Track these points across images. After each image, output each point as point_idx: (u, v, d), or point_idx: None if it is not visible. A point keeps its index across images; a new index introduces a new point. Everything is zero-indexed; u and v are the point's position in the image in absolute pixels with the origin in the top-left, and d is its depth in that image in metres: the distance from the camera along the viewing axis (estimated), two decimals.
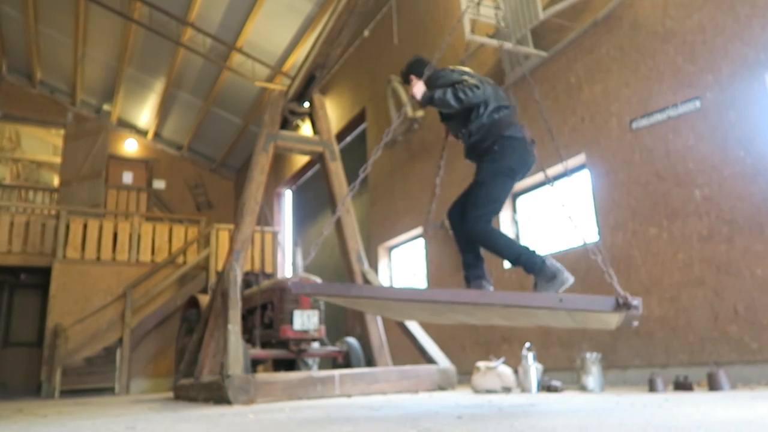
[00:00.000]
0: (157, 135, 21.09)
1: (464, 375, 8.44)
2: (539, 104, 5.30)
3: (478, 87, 4.61)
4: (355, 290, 4.03)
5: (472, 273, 4.65)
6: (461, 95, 4.54)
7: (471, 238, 4.53)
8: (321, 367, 10.93)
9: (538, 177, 8.31)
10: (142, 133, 21.13)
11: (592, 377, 6.13)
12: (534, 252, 4.27)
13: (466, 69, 5.02)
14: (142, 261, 15.57)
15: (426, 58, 5.36)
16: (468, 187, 4.75)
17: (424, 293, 3.90)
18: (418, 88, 4.87)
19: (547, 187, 8.55)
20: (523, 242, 4.55)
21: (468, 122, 4.66)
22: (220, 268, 12.80)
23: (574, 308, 3.54)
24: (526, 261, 4.25)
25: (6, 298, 17.13)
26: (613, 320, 3.93)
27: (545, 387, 6.42)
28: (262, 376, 6.87)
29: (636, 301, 3.44)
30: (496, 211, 4.57)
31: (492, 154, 4.53)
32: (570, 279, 4.14)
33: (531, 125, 4.89)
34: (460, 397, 6.06)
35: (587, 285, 7.22)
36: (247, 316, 9.30)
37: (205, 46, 15.66)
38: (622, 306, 3.42)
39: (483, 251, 4.66)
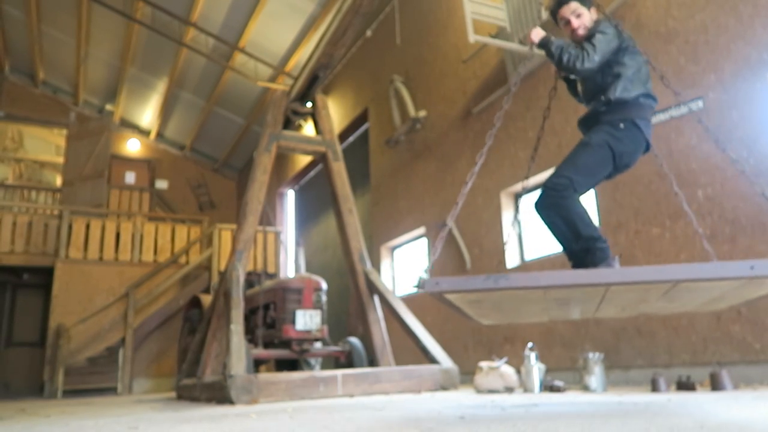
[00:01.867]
0: (159, 135, 21.12)
1: (467, 375, 8.44)
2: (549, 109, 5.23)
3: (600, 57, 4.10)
4: (505, 281, 3.17)
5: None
6: (578, 63, 4.06)
7: (551, 201, 3.92)
8: (323, 367, 10.93)
9: (537, 178, 8.31)
10: (144, 133, 21.16)
11: (595, 377, 6.12)
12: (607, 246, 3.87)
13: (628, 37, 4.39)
14: (144, 261, 15.57)
15: None
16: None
17: (591, 276, 3.26)
18: (536, 33, 4.30)
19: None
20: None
21: (610, 90, 4.18)
22: (222, 268, 12.78)
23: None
24: (599, 248, 3.81)
25: (9, 298, 17.13)
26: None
27: (548, 387, 6.42)
28: (265, 376, 6.88)
29: None
30: (588, 185, 4.09)
31: (614, 128, 4.12)
32: None
33: (534, 125, 4.87)
34: (462, 397, 6.06)
35: None
36: (249, 316, 9.30)
37: (208, 46, 15.68)
38: None
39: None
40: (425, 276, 3.22)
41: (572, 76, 4.57)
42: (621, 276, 3.19)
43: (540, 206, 3.95)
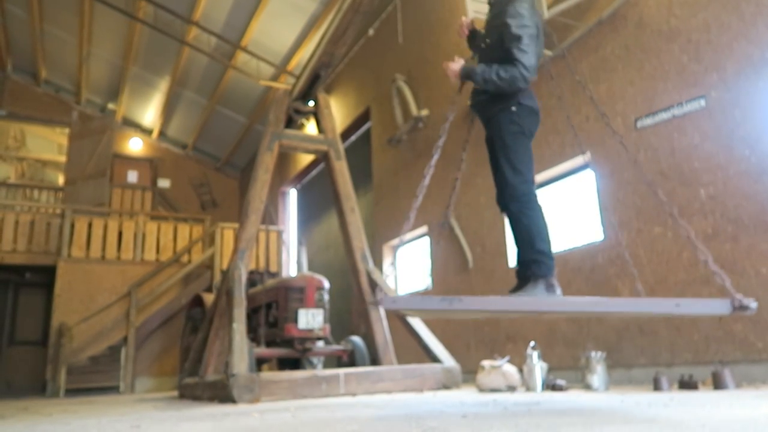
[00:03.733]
0: (161, 134, 21.14)
1: (469, 374, 8.44)
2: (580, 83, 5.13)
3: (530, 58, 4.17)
4: (459, 304, 3.39)
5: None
6: (520, 84, 4.11)
7: (503, 208, 4.18)
8: (325, 365, 10.94)
9: (540, 176, 8.32)
10: (146, 132, 21.18)
11: (597, 376, 6.12)
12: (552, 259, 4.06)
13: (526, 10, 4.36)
14: (146, 260, 15.58)
15: None
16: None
17: (536, 303, 3.68)
18: (455, 65, 4.40)
19: (549, 185, 8.55)
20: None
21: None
22: (224, 266, 12.80)
23: (691, 313, 3.53)
24: (545, 263, 4.01)
25: (11, 297, 17.17)
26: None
27: (550, 386, 6.42)
28: (267, 374, 6.88)
29: (753, 303, 3.44)
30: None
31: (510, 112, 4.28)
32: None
33: (544, 121, 4.85)
34: (464, 396, 6.06)
35: (591, 284, 7.23)
36: (251, 314, 9.30)
37: (210, 45, 15.69)
38: (738, 309, 3.42)
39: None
40: (382, 293, 3.50)
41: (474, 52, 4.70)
42: (563, 305, 3.58)
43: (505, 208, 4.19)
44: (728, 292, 3.52)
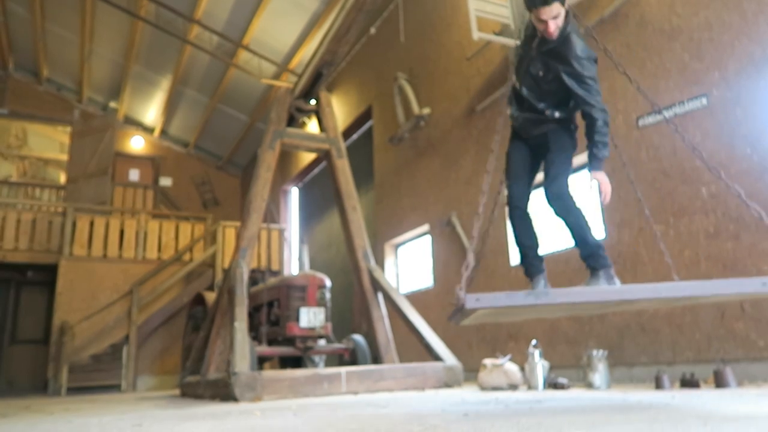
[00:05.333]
0: (163, 132, 21.13)
1: (471, 372, 8.45)
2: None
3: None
4: (546, 297, 3.24)
5: (537, 267, 4.45)
6: (608, 120, 4.34)
7: (560, 203, 4.25)
8: (327, 364, 10.94)
9: (541, 175, 8.30)
10: (148, 130, 21.17)
11: (599, 374, 6.12)
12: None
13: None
14: (148, 258, 15.58)
15: None
16: (526, 161, 4.62)
17: (617, 292, 3.55)
18: (606, 186, 4.34)
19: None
20: None
21: (568, 110, 4.46)
22: (226, 265, 12.80)
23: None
24: (602, 253, 4.18)
25: (13, 296, 17.18)
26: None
27: (552, 384, 6.42)
28: (269, 373, 6.89)
29: None
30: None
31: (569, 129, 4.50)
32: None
33: None
34: (466, 395, 6.06)
35: None
36: (253, 313, 9.31)
37: (212, 43, 15.68)
38: None
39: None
40: (462, 293, 3.24)
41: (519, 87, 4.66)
42: (648, 293, 3.33)
43: (559, 207, 4.26)
44: None
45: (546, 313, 4.28)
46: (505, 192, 4.51)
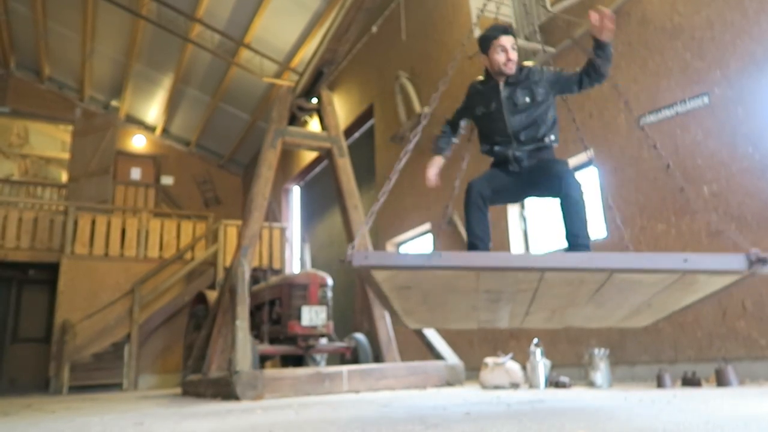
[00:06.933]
0: (165, 131, 21.13)
1: (472, 371, 8.44)
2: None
3: None
4: (438, 259, 2.94)
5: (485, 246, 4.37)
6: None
7: (575, 197, 4.16)
8: (329, 363, 10.95)
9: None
10: (150, 129, 21.16)
11: (600, 373, 6.12)
12: None
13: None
14: (150, 257, 15.59)
15: None
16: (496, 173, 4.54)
17: (533, 259, 3.16)
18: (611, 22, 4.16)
19: None
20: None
21: (553, 132, 4.50)
22: (228, 264, 12.82)
23: (700, 269, 2.99)
24: (588, 243, 4.10)
25: (14, 294, 17.20)
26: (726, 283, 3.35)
27: (553, 383, 6.42)
28: (270, 372, 6.89)
29: None
30: None
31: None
32: None
33: None
34: (468, 394, 6.07)
35: None
36: (255, 312, 9.32)
37: (213, 42, 15.68)
38: (756, 262, 2.93)
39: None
40: (352, 249, 3.00)
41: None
42: (554, 261, 3.08)
43: (571, 200, 4.14)
44: (741, 247, 3.09)
45: (465, 304, 3.83)
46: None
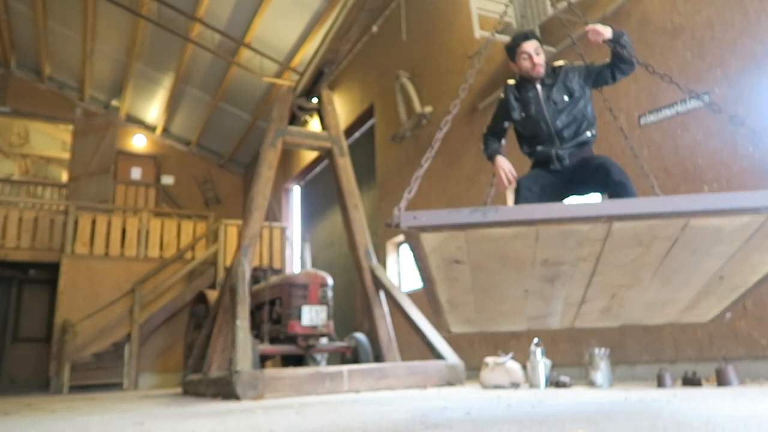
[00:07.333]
0: (165, 131, 21.13)
1: (472, 371, 8.44)
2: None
3: None
4: (494, 214, 2.69)
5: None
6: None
7: (626, 183, 4.44)
8: (329, 362, 10.95)
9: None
10: (150, 128, 21.16)
11: (601, 373, 6.12)
12: None
13: None
14: (150, 257, 15.60)
15: None
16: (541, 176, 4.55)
17: (603, 207, 2.80)
18: (604, 29, 4.28)
19: None
20: None
21: (593, 126, 4.61)
22: (228, 263, 12.82)
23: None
24: None
25: (15, 294, 17.22)
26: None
27: (553, 382, 6.42)
28: (271, 371, 6.89)
29: None
30: None
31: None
32: None
33: None
34: (468, 393, 6.06)
35: None
36: (255, 311, 9.32)
37: (214, 41, 15.69)
38: None
39: None
40: (399, 211, 2.84)
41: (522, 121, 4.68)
42: (623, 208, 2.79)
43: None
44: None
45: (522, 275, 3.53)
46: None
